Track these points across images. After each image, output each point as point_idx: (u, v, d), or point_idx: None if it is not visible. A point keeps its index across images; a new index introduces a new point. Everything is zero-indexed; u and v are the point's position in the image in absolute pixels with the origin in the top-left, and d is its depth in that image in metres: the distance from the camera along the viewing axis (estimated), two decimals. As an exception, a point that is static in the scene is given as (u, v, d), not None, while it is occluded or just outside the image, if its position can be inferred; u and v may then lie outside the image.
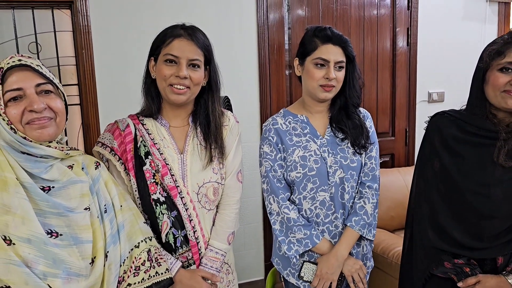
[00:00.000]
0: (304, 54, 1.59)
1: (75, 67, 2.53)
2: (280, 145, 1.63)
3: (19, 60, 1.11)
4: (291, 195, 1.64)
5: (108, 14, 2.51)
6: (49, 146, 1.13)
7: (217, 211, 1.54)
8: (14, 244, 1.02)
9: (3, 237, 1.01)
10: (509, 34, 1.35)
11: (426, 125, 1.54)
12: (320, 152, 1.61)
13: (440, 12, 3.31)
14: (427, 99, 3.38)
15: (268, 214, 1.67)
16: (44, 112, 1.12)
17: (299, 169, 1.59)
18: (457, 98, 3.27)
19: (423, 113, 3.34)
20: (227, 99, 2.23)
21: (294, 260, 1.66)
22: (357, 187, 1.66)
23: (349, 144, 1.63)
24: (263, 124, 1.71)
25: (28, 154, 1.10)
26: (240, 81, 2.81)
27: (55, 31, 2.48)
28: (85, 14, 2.44)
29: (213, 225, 1.51)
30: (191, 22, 1.46)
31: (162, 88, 1.40)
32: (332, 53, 1.54)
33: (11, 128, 1.08)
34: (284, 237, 1.62)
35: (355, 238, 1.63)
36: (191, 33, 1.40)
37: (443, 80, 3.39)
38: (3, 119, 1.07)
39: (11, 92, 1.09)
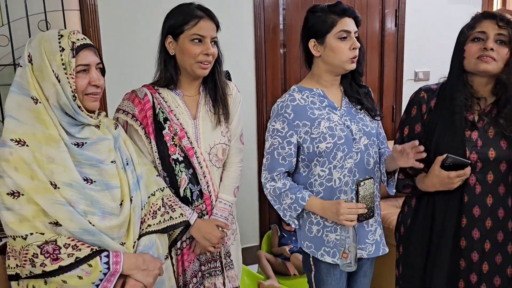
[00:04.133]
0: (323, 32, 1.61)
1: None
2: (297, 121, 1.61)
3: (84, 38, 1.32)
4: (310, 167, 1.64)
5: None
6: (91, 117, 1.34)
7: (223, 169, 1.76)
8: (59, 188, 1.22)
9: (50, 182, 1.21)
10: (482, 12, 1.58)
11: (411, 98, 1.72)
12: (343, 121, 1.65)
13: (427, -5, 3.43)
14: (413, 78, 3.55)
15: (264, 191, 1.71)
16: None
17: (329, 139, 1.60)
18: (441, 76, 3.43)
19: (409, 91, 3.41)
20: (228, 73, 2.41)
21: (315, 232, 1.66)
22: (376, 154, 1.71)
23: (364, 114, 1.71)
24: (278, 100, 1.67)
25: (71, 117, 1.29)
26: (237, 58, 2.92)
27: (63, 10, 2.59)
28: (92, -7, 2.55)
29: (221, 181, 1.73)
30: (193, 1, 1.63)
31: (189, 65, 1.58)
32: (351, 24, 1.61)
33: (73, 96, 1.27)
34: (279, 205, 1.67)
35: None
36: (209, 13, 1.59)
37: (428, 59, 3.54)
38: (70, 86, 1.26)
39: (82, 66, 1.29)
